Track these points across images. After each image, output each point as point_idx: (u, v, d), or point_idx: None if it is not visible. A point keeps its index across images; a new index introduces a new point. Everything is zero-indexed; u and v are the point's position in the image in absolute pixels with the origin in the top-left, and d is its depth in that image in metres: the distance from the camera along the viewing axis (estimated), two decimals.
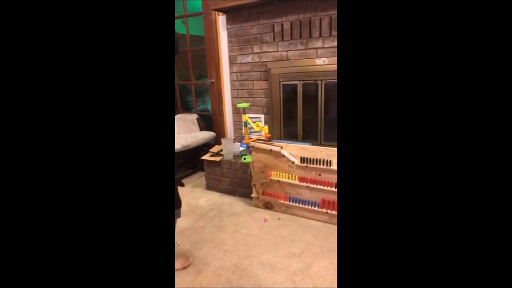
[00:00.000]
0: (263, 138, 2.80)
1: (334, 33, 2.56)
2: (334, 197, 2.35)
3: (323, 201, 2.40)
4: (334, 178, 2.33)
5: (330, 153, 2.35)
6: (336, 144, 2.72)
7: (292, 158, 2.47)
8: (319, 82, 2.69)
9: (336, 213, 2.36)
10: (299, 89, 2.81)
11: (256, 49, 3.00)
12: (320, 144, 2.80)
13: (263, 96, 3.08)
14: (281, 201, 2.60)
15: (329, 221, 2.39)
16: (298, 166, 2.45)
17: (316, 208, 2.43)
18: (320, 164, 2.34)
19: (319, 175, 2.38)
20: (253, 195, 2.76)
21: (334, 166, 2.31)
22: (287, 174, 2.53)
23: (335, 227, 2.35)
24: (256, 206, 2.76)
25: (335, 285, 1.71)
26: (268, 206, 2.70)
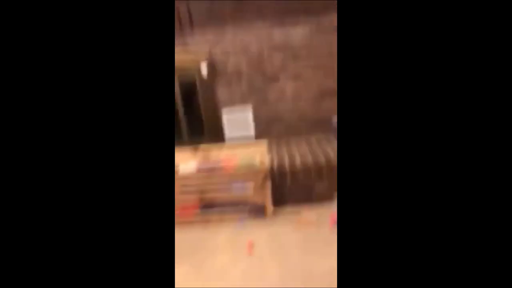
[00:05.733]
0: None
1: None
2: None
3: None
4: (180, 181, 2.28)
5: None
6: (179, 144, 2.66)
7: None
8: None
9: (188, 212, 2.34)
10: None
11: None
12: None
13: None
14: None
15: (184, 223, 2.36)
16: None
17: None
18: None
19: None
20: None
21: (179, 170, 2.25)
22: None
23: (190, 227, 2.33)
24: None
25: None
26: None
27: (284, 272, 1.79)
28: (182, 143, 2.69)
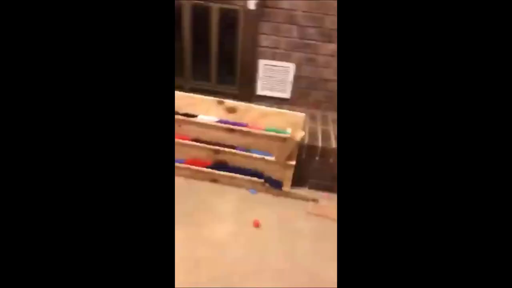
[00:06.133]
0: None
1: None
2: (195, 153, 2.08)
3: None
4: (196, 130, 2.02)
5: (192, 102, 1.97)
6: (205, 86, 2.36)
7: None
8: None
9: (198, 168, 2.12)
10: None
11: None
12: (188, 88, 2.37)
13: None
14: None
15: (192, 176, 2.16)
16: None
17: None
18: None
19: (179, 126, 2.01)
20: None
21: (197, 119, 1.98)
22: None
23: (198, 182, 2.14)
24: None
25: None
26: None
27: (289, 261, 1.61)
28: (207, 87, 2.38)
